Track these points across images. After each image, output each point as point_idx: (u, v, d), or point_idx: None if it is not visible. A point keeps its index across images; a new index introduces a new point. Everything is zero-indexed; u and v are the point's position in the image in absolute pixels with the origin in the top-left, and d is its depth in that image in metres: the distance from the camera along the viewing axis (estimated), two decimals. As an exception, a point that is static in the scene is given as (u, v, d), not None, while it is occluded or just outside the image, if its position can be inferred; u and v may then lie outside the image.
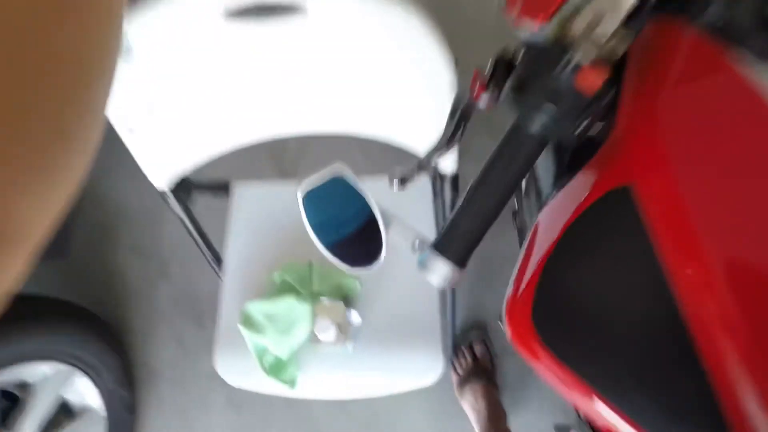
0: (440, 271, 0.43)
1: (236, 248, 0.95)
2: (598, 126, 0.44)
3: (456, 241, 0.43)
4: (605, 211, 0.38)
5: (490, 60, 0.47)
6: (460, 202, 0.44)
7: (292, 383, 0.83)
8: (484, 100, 0.47)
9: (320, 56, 0.72)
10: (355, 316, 0.83)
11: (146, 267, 1.45)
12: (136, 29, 0.64)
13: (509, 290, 0.44)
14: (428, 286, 0.88)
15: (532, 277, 0.42)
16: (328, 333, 0.78)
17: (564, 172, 0.53)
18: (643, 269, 0.35)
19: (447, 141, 0.51)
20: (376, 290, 0.88)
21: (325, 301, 0.83)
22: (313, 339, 0.82)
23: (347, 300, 0.86)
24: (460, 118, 0.51)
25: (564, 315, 0.40)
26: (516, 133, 0.41)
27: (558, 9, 0.39)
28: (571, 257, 0.40)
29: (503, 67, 0.46)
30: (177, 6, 0.63)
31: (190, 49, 0.69)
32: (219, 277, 0.96)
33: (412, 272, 0.74)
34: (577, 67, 0.36)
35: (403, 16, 0.63)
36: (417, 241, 0.47)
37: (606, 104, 0.41)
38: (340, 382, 0.86)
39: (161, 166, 0.82)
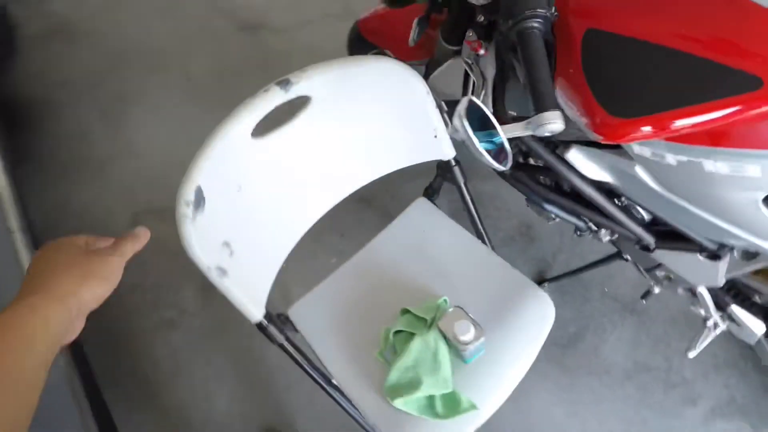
0: (555, 116, 0.57)
1: (331, 355, 0.93)
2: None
3: (541, 98, 0.58)
4: (591, 41, 0.64)
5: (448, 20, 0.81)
6: (527, 81, 0.60)
7: (472, 405, 0.83)
8: (483, 48, 0.70)
9: (335, 127, 0.85)
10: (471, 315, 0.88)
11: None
12: (202, 179, 0.71)
13: (585, 121, 0.64)
14: (493, 259, 1.00)
15: (585, 96, 0.63)
16: (469, 332, 0.83)
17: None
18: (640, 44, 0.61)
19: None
20: (460, 294, 0.95)
21: (446, 314, 0.87)
22: (454, 355, 0.86)
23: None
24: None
25: (623, 95, 0.62)
26: (526, 37, 0.59)
27: None
28: (597, 66, 0.63)
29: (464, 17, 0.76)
30: (219, 148, 0.72)
31: (239, 174, 0.78)
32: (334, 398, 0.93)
33: (477, 264, 0.99)
34: None
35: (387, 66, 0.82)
36: (531, 119, 0.59)
37: None
38: (499, 373, 0.89)
39: (254, 297, 0.83)
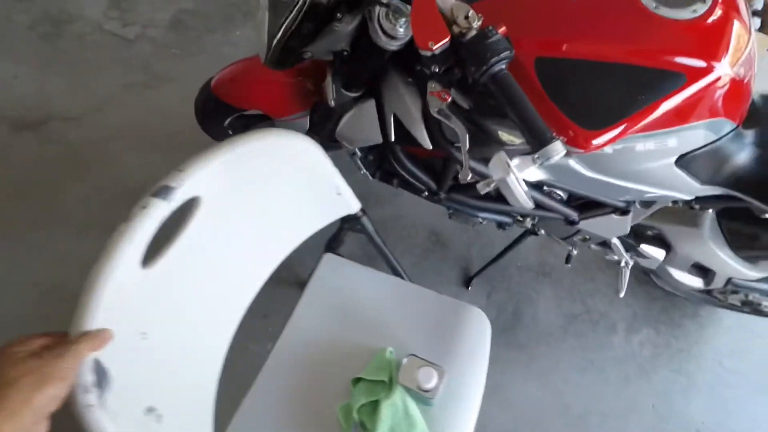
0: (559, 147, 0.59)
1: None
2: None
3: (540, 133, 0.60)
4: (543, 69, 0.71)
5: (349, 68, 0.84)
6: (517, 120, 0.62)
7: None
8: (451, 95, 0.71)
9: (234, 220, 0.76)
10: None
11: None
12: (107, 356, 0.56)
13: (556, 143, 0.64)
14: (418, 292, 1.00)
15: (557, 116, 0.68)
16: (433, 378, 0.81)
17: None
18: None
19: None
20: (401, 339, 0.93)
21: (402, 367, 0.84)
22: (420, 402, 0.84)
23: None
24: (441, 117, 0.73)
25: (590, 109, 0.69)
26: (501, 80, 0.62)
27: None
28: (558, 88, 0.70)
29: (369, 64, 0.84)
30: (103, 299, 0.57)
31: (138, 319, 0.63)
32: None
33: (404, 302, 0.98)
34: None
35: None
36: (538, 154, 0.61)
37: None
38: (463, 400, 0.88)
39: None
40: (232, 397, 0.85)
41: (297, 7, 0.76)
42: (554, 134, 0.61)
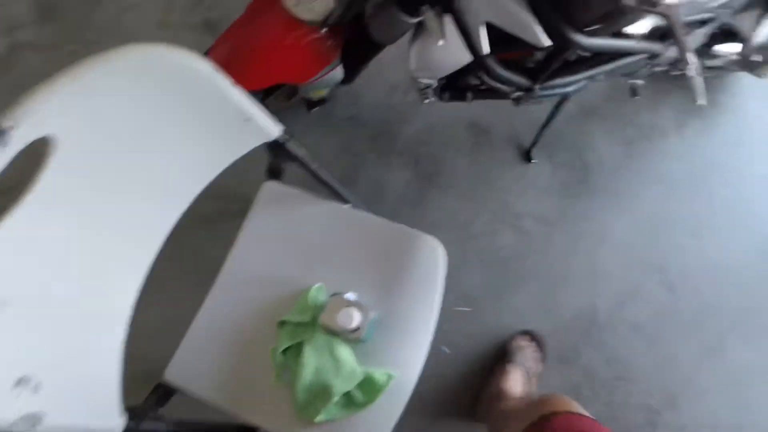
0: None
1: (231, 402, 0.81)
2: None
3: None
4: None
5: None
6: None
7: (389, 377, 0.79)
8: None
9: (110, 158, 0.64)
10: (351, 294, 0.82)
11: None
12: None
13: None
14: (365, 220, 0.91)
15: None
16: (353, 319, 0.77)
17: None
18: None
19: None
20: (339, 273, 0.86)
21: (325, 308, 0.80)
22: (352, 341, 0.80)
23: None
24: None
25: None
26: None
27: None
28: None
29: None
30: None
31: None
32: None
33: (349, 231, 0.89)
34: None
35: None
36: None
37: None
38: (407, 332, 0.83)
39: (99, 411, 0.65)
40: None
41: None
42: None
